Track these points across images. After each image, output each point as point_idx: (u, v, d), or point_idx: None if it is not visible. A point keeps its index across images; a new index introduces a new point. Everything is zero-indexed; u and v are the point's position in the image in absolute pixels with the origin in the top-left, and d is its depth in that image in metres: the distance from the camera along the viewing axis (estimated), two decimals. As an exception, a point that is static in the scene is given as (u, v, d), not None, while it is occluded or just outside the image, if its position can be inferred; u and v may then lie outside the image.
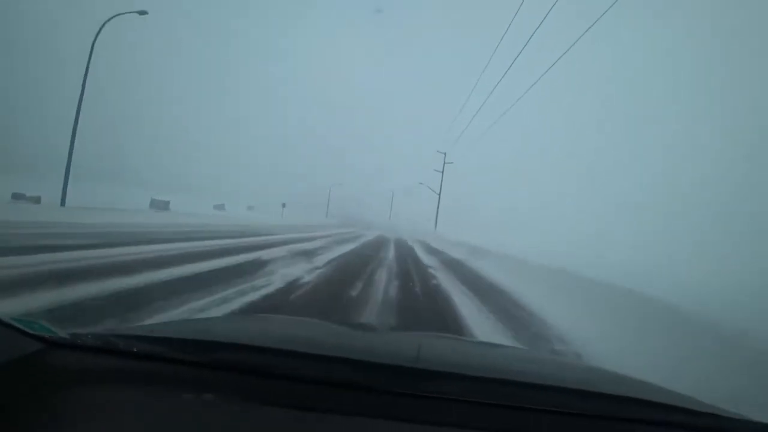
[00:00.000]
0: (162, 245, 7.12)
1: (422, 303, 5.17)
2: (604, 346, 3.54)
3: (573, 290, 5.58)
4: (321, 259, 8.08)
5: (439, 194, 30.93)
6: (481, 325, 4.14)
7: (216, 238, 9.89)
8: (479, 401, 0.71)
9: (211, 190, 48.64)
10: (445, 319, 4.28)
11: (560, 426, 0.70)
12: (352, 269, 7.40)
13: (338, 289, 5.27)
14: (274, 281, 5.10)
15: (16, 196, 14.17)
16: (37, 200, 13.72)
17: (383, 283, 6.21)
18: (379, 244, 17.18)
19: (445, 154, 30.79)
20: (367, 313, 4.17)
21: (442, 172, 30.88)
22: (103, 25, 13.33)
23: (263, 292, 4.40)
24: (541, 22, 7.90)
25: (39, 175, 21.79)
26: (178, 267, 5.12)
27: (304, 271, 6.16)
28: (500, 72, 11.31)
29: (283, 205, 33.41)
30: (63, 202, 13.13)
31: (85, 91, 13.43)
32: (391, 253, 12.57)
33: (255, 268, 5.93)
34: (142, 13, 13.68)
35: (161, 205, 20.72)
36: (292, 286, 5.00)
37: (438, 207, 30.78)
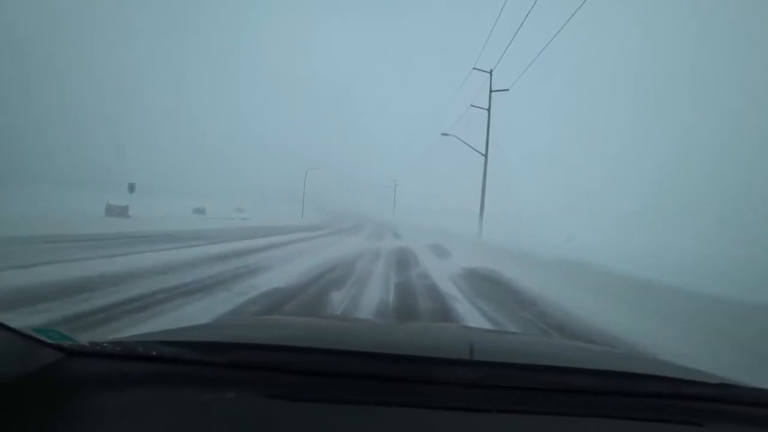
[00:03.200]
0: None
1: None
2: None
3: None
4: None
5: (486, 153, 15.50)
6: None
7: None
8: (494, 385, 0.73)
9: (197, 192, 43.51)
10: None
11: (580, 404, 0.71)
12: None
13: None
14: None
15: None
16: None
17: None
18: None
19: (491, 72, 15.40)
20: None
21: (488, 109, 15.53)
22: None
23: None
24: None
25: None
26: None
27: None
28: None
29: (131, 188, 18.50)
30: None
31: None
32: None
33: None
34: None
35: (118, 211, 18.15)
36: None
37: (485, 178, 15.42)
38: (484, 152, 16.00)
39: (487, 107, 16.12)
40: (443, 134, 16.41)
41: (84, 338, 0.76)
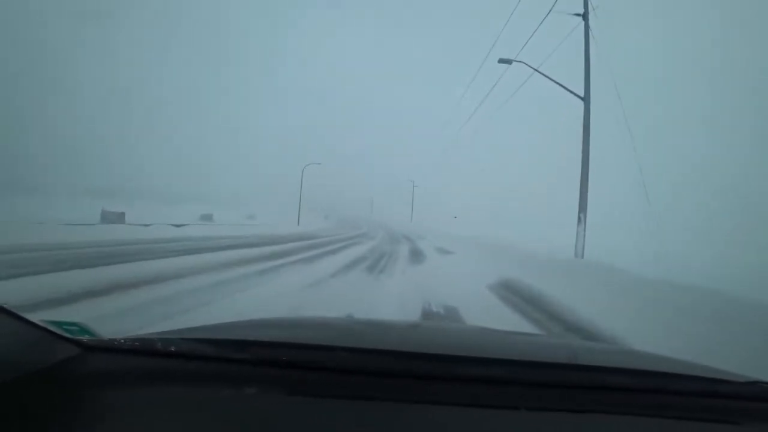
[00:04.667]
0: None
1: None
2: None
3: None
4: None
5: (587, 94, 7.91)
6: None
7: None
8: (519, 383, 0.71)
9: (215, 199, 41.23)
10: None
11: (614, 402, 0.69)
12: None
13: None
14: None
15: None
16: None
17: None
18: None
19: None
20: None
21: (585, 13, 8.09)
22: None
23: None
24: None
25: None
26: None
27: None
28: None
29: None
30: None
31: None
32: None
33: None
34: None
35: (113, 218, 17.26)
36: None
37: (586, 143, 7.70)
38: (580, 95, 8.54)
39: (582, 12, 8.65)
40: (502, 60, 8.77)
41: (104, 333, 0.75)
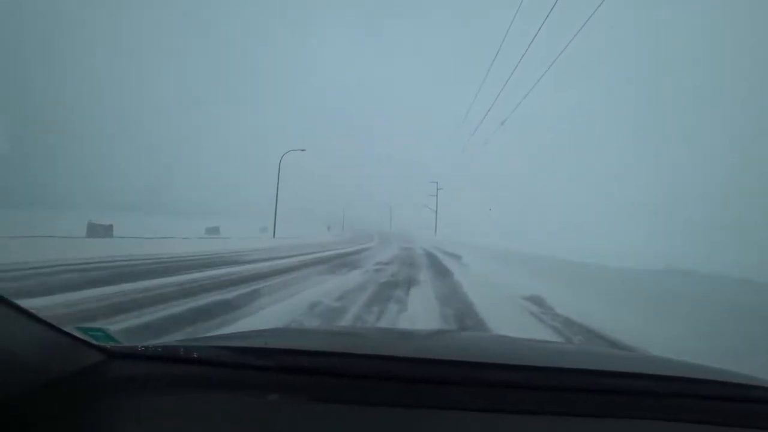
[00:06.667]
0: None
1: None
2: None
3: None
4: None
5: None
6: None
7: None
8: (538, 387, 0.72)
9: (218, 213, 40.31)
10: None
11: (641, 407, 0.69)
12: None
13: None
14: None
15: None
16: None
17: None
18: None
19: None
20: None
21: None
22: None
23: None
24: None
25: None
26: None
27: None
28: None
29: None
30: None
31: None
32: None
33: None
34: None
35: (101, 231, 16.54)
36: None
37: None
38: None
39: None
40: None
41: (128, 339, 0.76)
